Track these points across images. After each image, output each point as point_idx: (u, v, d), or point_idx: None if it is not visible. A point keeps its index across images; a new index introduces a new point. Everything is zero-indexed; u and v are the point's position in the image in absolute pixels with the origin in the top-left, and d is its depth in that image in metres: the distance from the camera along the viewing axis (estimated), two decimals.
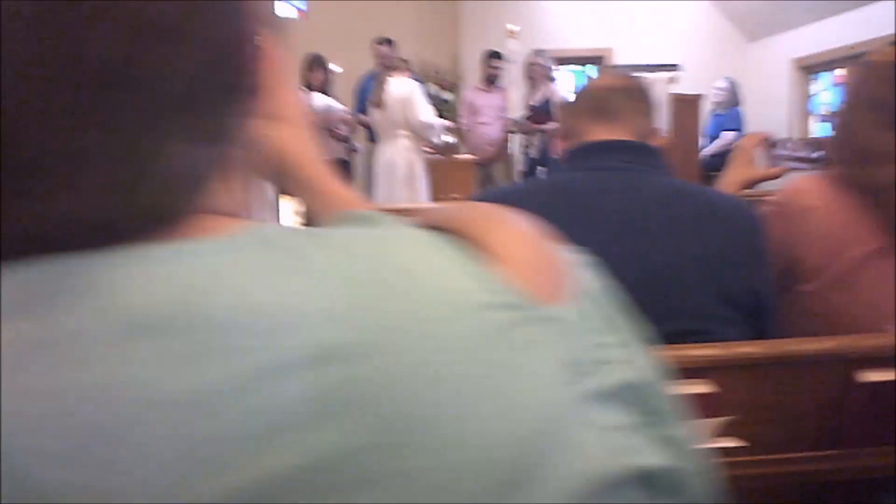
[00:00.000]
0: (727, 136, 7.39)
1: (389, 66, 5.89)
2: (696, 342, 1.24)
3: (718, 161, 7.38)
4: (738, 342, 1.24)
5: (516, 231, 0.47)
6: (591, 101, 1.45)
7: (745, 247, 1.32)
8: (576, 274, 0.47)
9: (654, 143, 1.46)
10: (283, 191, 0.74)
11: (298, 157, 0.71)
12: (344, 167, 6.66)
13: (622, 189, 1.33)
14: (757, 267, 1.33)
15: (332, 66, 6.69)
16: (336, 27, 8.36)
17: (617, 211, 1.31)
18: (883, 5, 6.53)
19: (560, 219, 1.29)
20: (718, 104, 7.62)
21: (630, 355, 0.46)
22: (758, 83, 8.31)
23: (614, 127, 1.42)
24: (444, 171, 6.34)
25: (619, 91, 1.44)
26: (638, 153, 1.39)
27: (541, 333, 0.39)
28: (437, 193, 6.10)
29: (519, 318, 0.39)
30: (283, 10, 7.93)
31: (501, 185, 6.00)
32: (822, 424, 1.24)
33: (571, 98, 1.53)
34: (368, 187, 6.27)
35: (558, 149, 1.54)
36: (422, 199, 5.79)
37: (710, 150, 7.47)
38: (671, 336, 1.27)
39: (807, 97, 7.94)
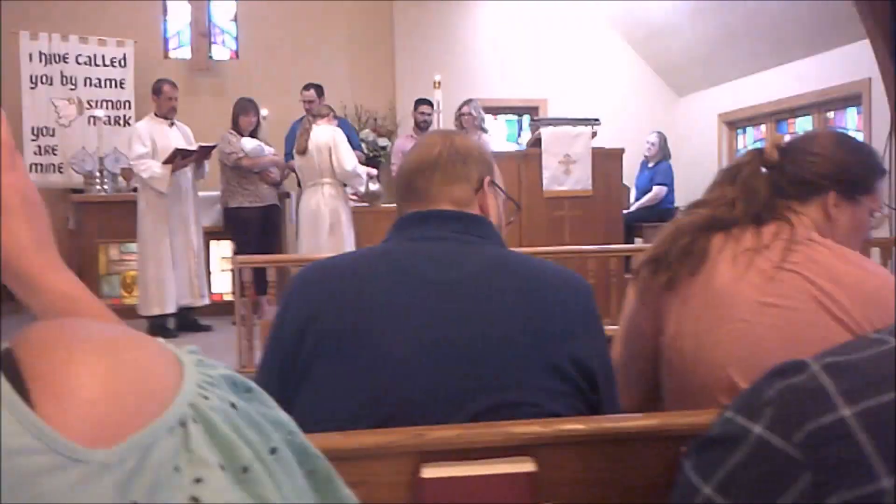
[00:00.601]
0: (657, 190, 7.51)
1: (314, 112, 5.86)
2: (521, 415, 1.20)
3: (647, 213, 7.49)
4: (559, 419, 1.18)
5: (91, 361, 0.44)
6: (404, 182, 1.42)
7: (572, 317, 1.27)
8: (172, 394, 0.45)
9: (484, 199, 1.41)
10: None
11: (11, 247, 0.64)
12: (275, 212, 6.58)
13: (442, 258, 1.28)
14: (586, 337, 1.28)
15: (262, 110, 6.65)
16: (270, 70, 8.34)
17: (436, 280, 1.26)
18: (805, 63, 6.74)
19: (382, 284, 1.26)
20: (649, 157, 7.76)
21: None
22: (687, 137, 8.49)
23: (430, 204, 1.38)
24: (370, 221, 6.29)
25: (428, 169, 1.39)
26: (459, 222, 1.35)
27: (79, 480, 0.38)
28: (363, 243, 6.04)
29: (56, 463, 0.38)
30: (216, 51, 7.96)
31: None
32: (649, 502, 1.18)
33: (396, 179, 1.50)
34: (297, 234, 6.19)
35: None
36: (346, 248, 5.72)
37: (639, 203, 7.57)
38: (496, 409, 1.22)
39: (734, 152, 8.12)
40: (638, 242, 7.43)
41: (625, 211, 6.59)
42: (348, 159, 5.66)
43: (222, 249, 6.91)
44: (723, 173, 1.60)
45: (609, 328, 1.55)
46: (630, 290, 1.63)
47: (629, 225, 7.01)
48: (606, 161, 5.90)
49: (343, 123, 6.53)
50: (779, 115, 7.43)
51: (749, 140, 7.98)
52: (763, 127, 7.72)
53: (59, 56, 7.60)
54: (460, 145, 1.43)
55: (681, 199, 8.08)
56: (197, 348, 0.62)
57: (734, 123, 8.07)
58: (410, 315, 1.23)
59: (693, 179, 8.30)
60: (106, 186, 7.08)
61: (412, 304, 1.24)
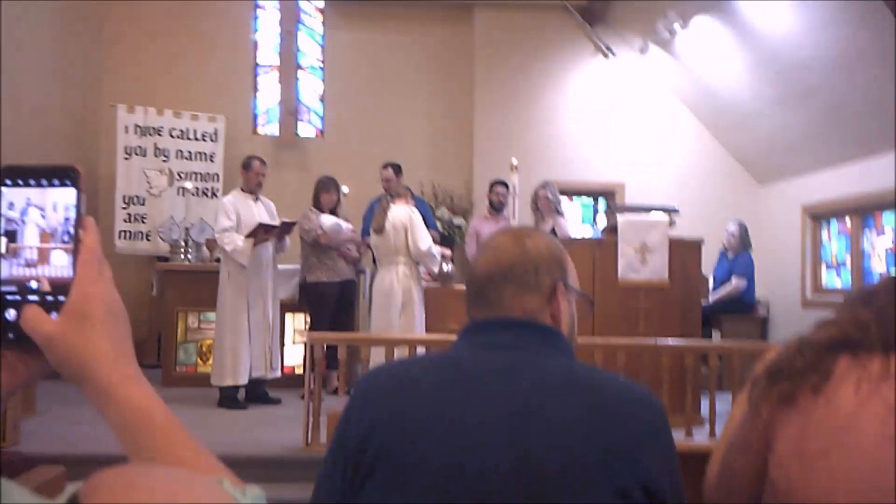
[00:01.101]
0: (737, 282, 7.33)
1: (392, 192, 5.97)
2: None
3: (726, 305, 7.30)
4: None
5: None
6: (475, 288, 1.42)
7: (641, 437, 1.23)
8: None
9: (555, 305, 1.38)
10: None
11: (91, 357, 0.66)
12: (350, 288, 6.66)
13: (508, 370, 1.27)
14: (657, 460, 1.22)
15: (342, 187, 6.81)
16: (352, 148, 8.57)
17: (501, 393, 1.24)
18: (891, 156, 6.55)
19: (445, 397, 1.26)
20: (728, 247, 7.59)
21: None
22: (768, 228, 8.29)
23: (499, 312, 1.38)
24: (442, 300, 6.31)
25: (500, 279, 1.38)
26: (524, 331, 1.34)
27: None
28: (434, 323, 6.05)
29: None
30: (302, 128, 8.25)
31: None
32: None
33: (466, 277, 1.49)
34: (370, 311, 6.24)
35: None
36: (417, 327, 5.74)
37: (718, 294, 7.39)
38: None
39: (818, 244, 7.88)
40: (716, 336, 7.24)
41: (703, 302, 6.44)
42: (424, 239, 5.72)
43: (297, 322, 7.01)
44: (857, 295, 1.55)
45: (677, 436, 1.48)
46: (741, 399, 1.56)
47: (707, 316, 6.84)
48: (684, 251, 5.78)
49: (419, 202, 6.62)
50: (865, 209, 7.21)
51: (833, 232, 7.75)
52: (848, 220, 7.49)
53: (153, 129, 7.98)
54: (533, 251, 1.40)
55: (762, 292, 7.87)
56: (261, 493, 0.62)
57: (818, 215, 7.85)
58: (473, 430, 1.22)
59: (774, 271, 8.10)
60: (190, 256, 7.32)
61: (475, 419, 1.23)
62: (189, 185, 7.87)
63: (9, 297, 0.65)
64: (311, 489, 1.34)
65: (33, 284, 0.65)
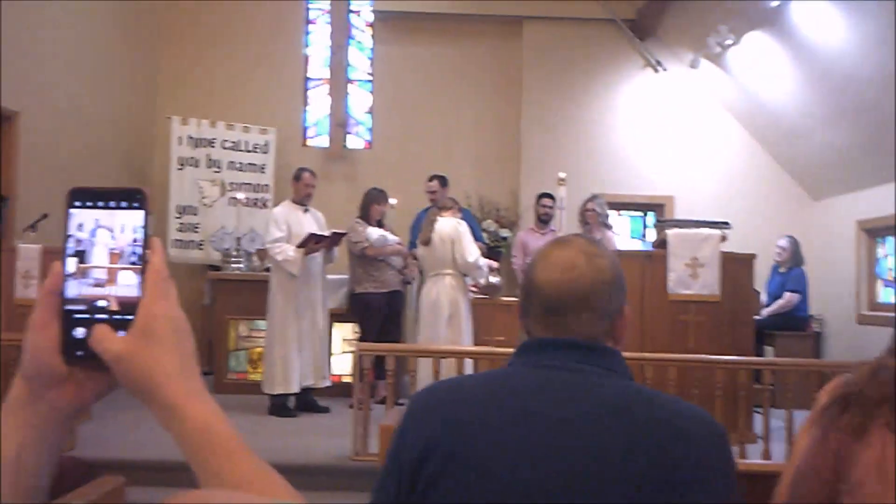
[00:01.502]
0: (789, 297, 7.20)
1: (440, 205, 6.00)
2: None
3: (778, 321, 7.17)
4: None
5: None
6: (544, 309, 1.37)
7: (703, 465, 1.20)
8: None
9: (619, 327, 1.38)
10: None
11: (157, 375, 0.67)
12: (398, 298, 6.70)
13: (566, 391, 1.26)
14: (717, 489, 1.20)
15: (390, 199, 6.86)
16: (400, 160, 8.64)
17: (558, 417, 1.23)
18: None
19: (501, 417, 1.25)
20: (780, 262, 7.46)
21: None
22: (822, 243, 8.14)
23: (564, 331, 1.35)
24: (489, 312, 6.31)
25: (572, 302, 1.35)
26: (589, 353, 1.32)
27: None
28: (481, 335, 6.05)
29: None
30: (351, 140, 8.34)
31: None
32: None
33: (526, 289, 1.43)
34: (416, 321, 6.28)
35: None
36: (465, 340, 5.74)
37: (770, 309, 7.27)
38: None
39: (874, 260, 7.72)
40: (769, 352, 7.11)
41: (755, 317, 6.33)
42: (471, 251, 5.73)
43: (345, 331, 7.07)
44: None
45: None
46: (809, 424, 1.51)
47: (759, 332, 6.72)
48: (736, 266, 5.70)
49: (466, 214, 6.64)
50: None
51: (889, 249, 7.57)
52: None
53: (206, 140, 8.15)
54: (606, 273, 1.37)
55: (816, 308, 7.72)
56: None
57: (874, 231, 7.69)
58: (530, 449, 1.22)
59: (828, 287, 7.93)
60: (241, 265, 7.43)
61: (533, 439, 1.22)
62: (240, 195, 8.01)
63: (78, 316, 0.66)
64: (358, 498, 1.34)
65: (102, 304, 0.67)
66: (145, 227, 0.68)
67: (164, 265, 0.68)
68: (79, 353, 0.66)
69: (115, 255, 0.68)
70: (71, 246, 0.68)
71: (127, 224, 0.68)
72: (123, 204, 0.68)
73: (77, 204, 0.68)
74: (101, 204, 0.68)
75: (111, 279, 0.67)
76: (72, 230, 0.68)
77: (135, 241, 0.68)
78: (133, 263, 0.68)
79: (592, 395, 1.26)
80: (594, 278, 1.37)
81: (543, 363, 1.33)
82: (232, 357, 6.94)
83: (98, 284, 0.67)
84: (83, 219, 0.68)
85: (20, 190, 6.35)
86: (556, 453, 1.20)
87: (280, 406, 5.95)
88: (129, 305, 0.67)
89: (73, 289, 0.67)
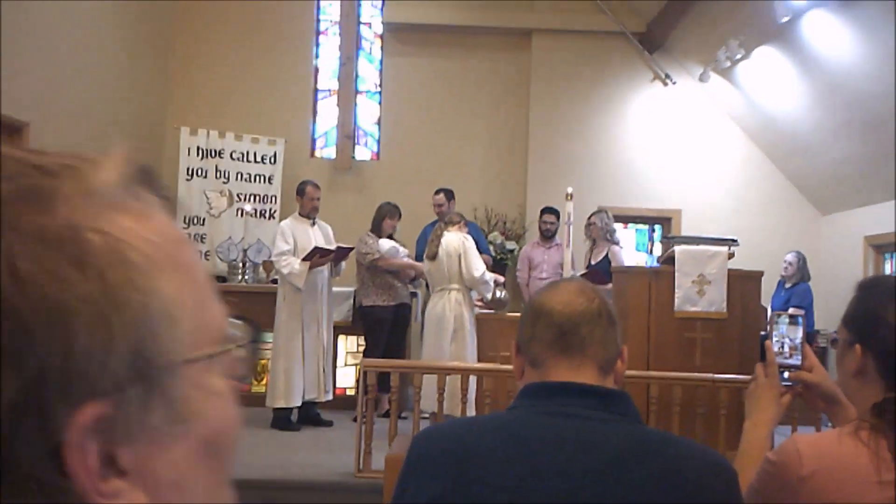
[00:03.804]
0: (794, 313, 7.16)
1: (446, 220, 6.00)
2: None
3: None
4: None
5: None
6: (557, 329, 1.34)
7: None
8: None
9: (620, 369, 1.37)
10: None
11: None
12: (405, 311, 6.71)
13: (578, 441, 1.24)
14: None
15: None
16: (407, 172, 8.64)
17: (567, 468, 1.21)
18: None
19: (504, 468, 1.22)
20: (786, 277, 7.44)
21: None
22: (829, 258, 8.10)
23: (581, 362, 1.32)
24: (494, 327, 6.29)
25: (586, 319, 1.33)
26: (602, 399, 1.30)
27: None
28: (486, 350, 6.03)
29: None
30: (359, 151, 8.34)
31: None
32: None
33: (533, 316, 1.39)
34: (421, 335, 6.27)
35: (516, 371, 1.43)
36: (469, 355, 5.73)
37: None
38: None
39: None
40: None
41: (762, 333, 6.30)
42: (477, 266, 5.73)
43: (349, 344, 7.07)
44: None
45: None
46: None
47: (766, 349, 6.68)
48: (743, 282, 5.68)
49: (472, 227, 6.64)
50: None
51: None
52: None
53: (214, 151, 8.17)
54: (610, 305, 1.39)
55: (821, 323, 7.67)
56: None
57: (882, 247, 7.65)
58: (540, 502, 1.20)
59: (834, 303, 7.87)
60: (247, 276, 7.44)
61: (542, 493, 1.20)
62: (248, 206, 8.02)
63: None
64: None
65: None
66: None
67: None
68: None
69: None
70: None
71: None
72: None
73: None
74: None
75: None
76: None
77: None
78: None
79: (606, 443, 1.24)
80: (605, 302, 1.38)
81: (553, 410, 1.29)
82: None
83: None
84: None
85: None
86: None
87: (283, 419, 5.95)
88: None
89: None
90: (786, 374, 1.64)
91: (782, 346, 1.66)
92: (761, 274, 5.77)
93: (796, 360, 1.65)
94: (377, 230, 6.55)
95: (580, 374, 1.32)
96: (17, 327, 0.41)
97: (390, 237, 6.61)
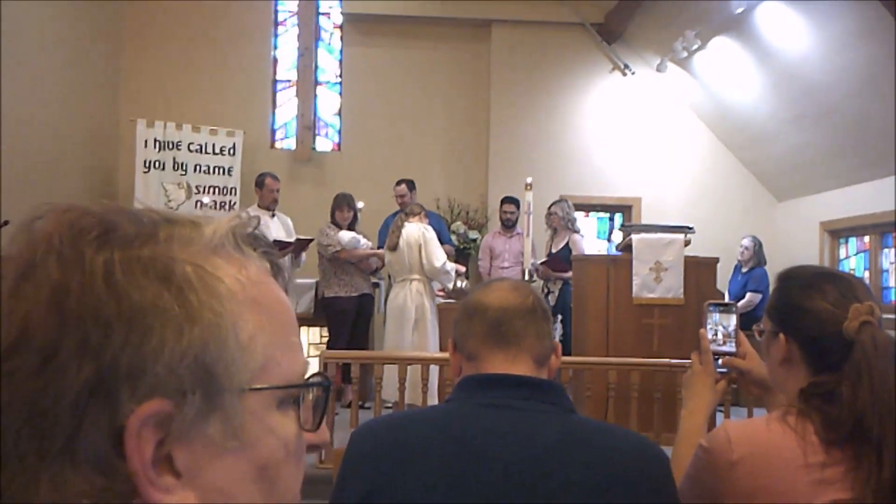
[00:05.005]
0: (751, 297, 7.29)
1: (407, 211, 6.00)
2: None
3: (741, 321, 7.24)
4: None
5: None
6: (491, 324, 1.36)
7: (646, 492, 1.23)
8: None
9: (553, 364, 1.40)
10: None
11: None
12: (368, 301, 6.68)
13: (513, 432, 1.25)
14: None
15: (358, 202, 6.84)
16: (369, 163, 8.62)
17: (503, 458, 1.22)
18: None
19: (440, 461, 1.22)
20: (742, 262, 7.56)
21: None
22: (785, 243, 8.25)
23: (517, 354, 1.34)
24: (455, 317, 6.30)
25: (520, 313, 1.36)
26: (537, 390, 1.32)
27: None
28: (447, 340, 6.04)
29: None
30: (319, 143, 8.27)
31: None
32: None
33: (468, 314, 1.42)
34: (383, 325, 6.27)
35: (453, 369, 1.46)
36: (430, 344, 5.75)
37: None
38: None
39: (836, 261, 7.83)
40: None
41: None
42: (438, 256, 5.74)
43: (311, 336, 7.04)
44: None
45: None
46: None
47: None
48: (699, 269, 5.76)
49: (434, 217, 6.64)
50: (884, 227, 7.15)
51: (851, 250, 7.69)
52: (867, 238, 7.44)
53: (172, 143, 8.05)
54: (544, 302, 1.44)
55: None
56: None
57: (837, 232, 7.81)
58: (476, 496, 1.20)
59: None
60: None
61: (479, 485, 1.21)
62: (206, 199, 7.94)
63: None
64: None
65: None
66: None
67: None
68: None
69: None
70: None
71: None
72: None
73: None
74: None
75: None
76: None
77: None
78: None
79: (540, 433, 1.26)
80: (538, 298, 1.43)
81: (488, 401, 1.30)
82: None
83: None
84: None
85: None
86: (510, 497, 1.20)
87: None
88: None
89: None
90: (720, 361, 1.67)
91: (716, 334, 1.70)
92: (717, 260, 5.85)
93: (730, 347, 1.68)
94: (334, 221, 6.52)
95: (516, 367, 1.34)
96: (102, 323, 0.48)
97: (351, 228, 6.57)
